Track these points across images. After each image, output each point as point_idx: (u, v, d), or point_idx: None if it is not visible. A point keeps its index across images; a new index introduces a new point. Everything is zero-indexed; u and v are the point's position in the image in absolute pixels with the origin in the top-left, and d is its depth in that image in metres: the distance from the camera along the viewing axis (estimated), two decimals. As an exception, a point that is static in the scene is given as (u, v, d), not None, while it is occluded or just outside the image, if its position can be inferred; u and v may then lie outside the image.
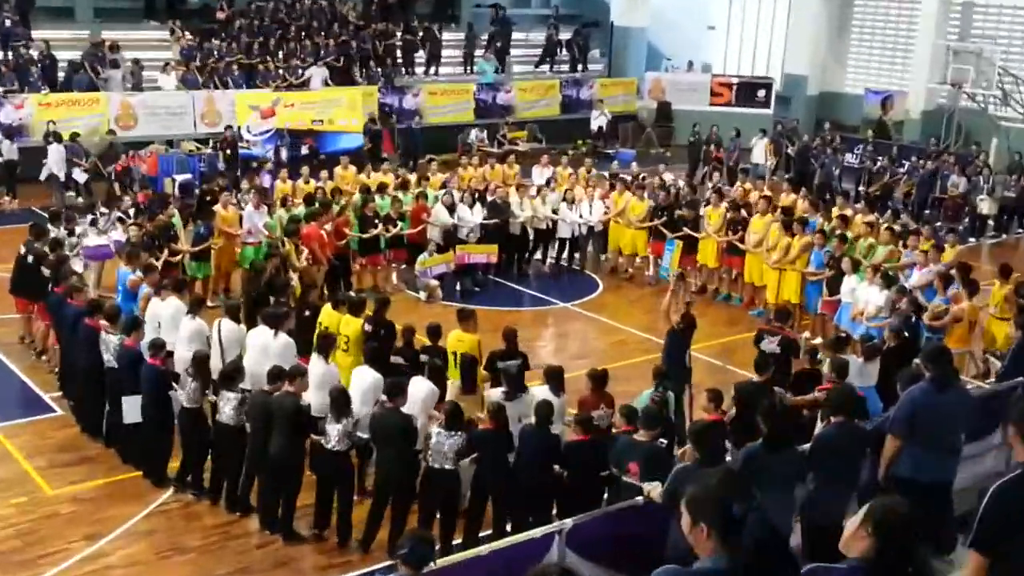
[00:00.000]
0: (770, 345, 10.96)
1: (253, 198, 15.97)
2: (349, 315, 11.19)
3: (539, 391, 9.50)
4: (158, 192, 20.07)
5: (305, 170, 18.53)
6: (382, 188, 17.45)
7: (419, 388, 9.45)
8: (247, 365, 10.11)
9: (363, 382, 9.59)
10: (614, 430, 9.11)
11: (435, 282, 16.39)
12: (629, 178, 18.99)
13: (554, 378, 9.56)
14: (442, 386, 10.11)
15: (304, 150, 22.10)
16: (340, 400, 9.00)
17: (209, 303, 14.07)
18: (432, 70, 29.30)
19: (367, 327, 11.01)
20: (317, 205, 15.92)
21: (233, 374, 9.59)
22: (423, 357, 10.40)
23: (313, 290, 12.38)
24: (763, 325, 11.83)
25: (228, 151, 21.64)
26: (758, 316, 15.58)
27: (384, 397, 9.27)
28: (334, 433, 8.94)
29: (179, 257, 14.76)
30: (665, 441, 8.70)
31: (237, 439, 9.52)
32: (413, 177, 18.64)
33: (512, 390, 9.48)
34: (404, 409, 8.99)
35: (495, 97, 29.31)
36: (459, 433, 8.70)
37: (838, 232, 15.37)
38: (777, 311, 11.85)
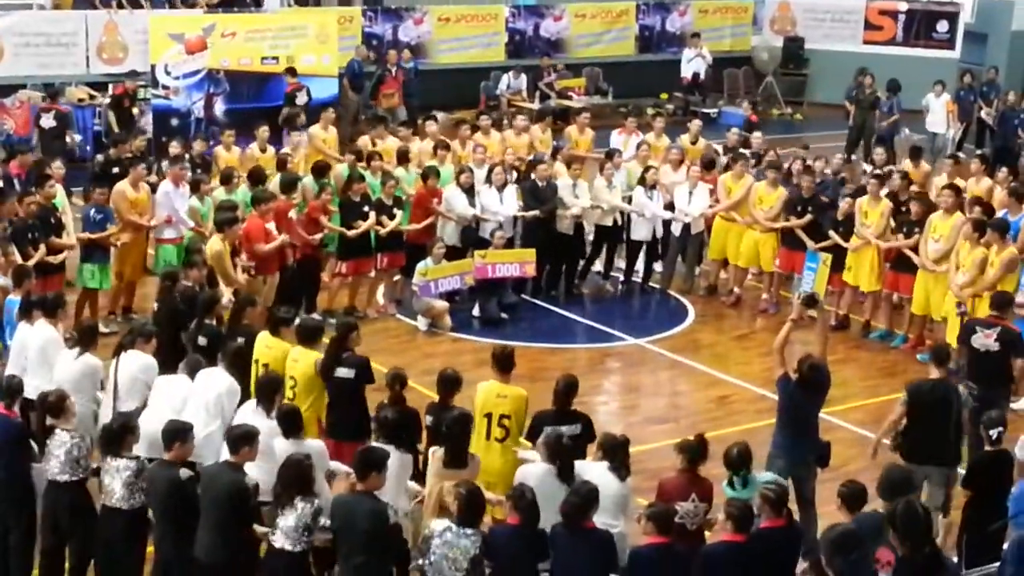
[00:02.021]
0: (986, 340, 12.38)
1: (171, 171, 16.17)
2: (300, 346, 11.28)
3: (591, 469, 9.51)
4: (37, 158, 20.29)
5: (263, 131, 18.75)
6: (371, 159, 17.65)
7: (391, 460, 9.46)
8: (146, 424, 10.05)
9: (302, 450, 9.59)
10: (708, 535, 9.06)
11: (442, 304, 16.47)
12: (748, 154, 18.92)
13: (614, 452, 9.53)
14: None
15: (300, 98, 22.16)
16: (295, 474, 9.01)
17: (103, 328, 14.20)
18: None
19: (345, 374, 11.04)
20: (269, 185, 16.08)
21: (122, 431, 9.63)
22: (383, 413, 10.22)
23: (251, 308, 12.42)
24: (989, 317, 12.87)
25: (125, 104, 21.54)
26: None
27: (345, 472, 9.35)
28: (287, 525, 8.98)
29: (63, 255, 14.88)
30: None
31: (131, 530, 9.54)
32: (418, 145, 18.73)
33: (563, 467, 9.47)
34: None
35: (538, 27, 29.44)
36: (475, 533, 8.66)
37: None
38: (996, 298, 12.93)
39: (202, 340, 11.56)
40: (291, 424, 9.86)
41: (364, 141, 18.86)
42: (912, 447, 11.01)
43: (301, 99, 22.12)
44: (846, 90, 26.28)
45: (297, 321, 12.07)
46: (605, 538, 8.84)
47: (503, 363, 10.79)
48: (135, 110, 21.75)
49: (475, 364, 13.34)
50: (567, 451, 9.60)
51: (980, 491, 10.03)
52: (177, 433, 9.49)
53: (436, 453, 9.98)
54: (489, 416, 10.49)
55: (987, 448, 10.23)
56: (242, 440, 9.33)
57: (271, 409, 10.09)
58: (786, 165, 18.79)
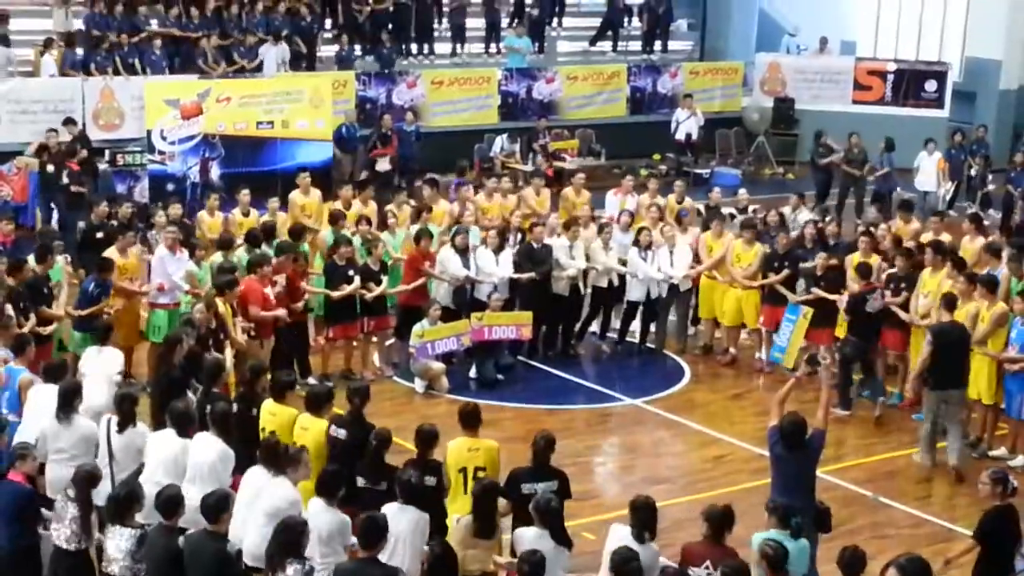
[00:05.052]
0: (875, 303, 15.62)
1: (166, 237, 16.22)
2: (307, 414, 11.29)
3: (614, 533, 9.54)
4: (28, 227, 20.35)
5: (244, 195, 18.80)
6: (358, 223, 17.66)
7: (401, 520, 9.46)
8: (145, 488, 10.06)
9: (320, 523, 9.58)
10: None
11: (439, 365, 16.49)
12: (733, 212, 19.01)
13: (641, 513, 9.55)
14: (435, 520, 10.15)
15: (384, 164, 23.02)
16: (289, 535, 8.95)
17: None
18: (436, 47, 29.66)
19: (338, 433, 11.11)
20: (262, 248, 16.13)
21: (127, 501, 9.63)
22: (406, 475, 10.13)
23: (262, 376, 12.47)
24: (862, 286, 15.80)
25: (62, 164, 21.13)
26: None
27: (352, 542, 9.32)
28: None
29: (51, 327, 14.81)
30: None
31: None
32: (401, 209, 18.79)
33: (557, 531, 9.51)
34: (386, 558, 9.02)
35: (531, 89, 29.59)
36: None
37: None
38: (860, 268, 15.95)
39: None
40: (333, 489, 9.83)
41: (336, 205, 18.80)
42: (938, 378, 14.18)
43: (382, 165, 22.55)
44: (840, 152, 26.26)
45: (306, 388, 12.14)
46: None
47: (469, 419, 11.02)
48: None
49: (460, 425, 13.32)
50: (557, 514, 9.63)
51: (990, 546, 10.04)
52: (171, 500, 9.47)
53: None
54: (464, 471, 10.63)
55: (995, 503, 10.25)
56: (222, 504, 9.31)
57: (280, 472, 10.04)
58: (760, 216, 18.97)
